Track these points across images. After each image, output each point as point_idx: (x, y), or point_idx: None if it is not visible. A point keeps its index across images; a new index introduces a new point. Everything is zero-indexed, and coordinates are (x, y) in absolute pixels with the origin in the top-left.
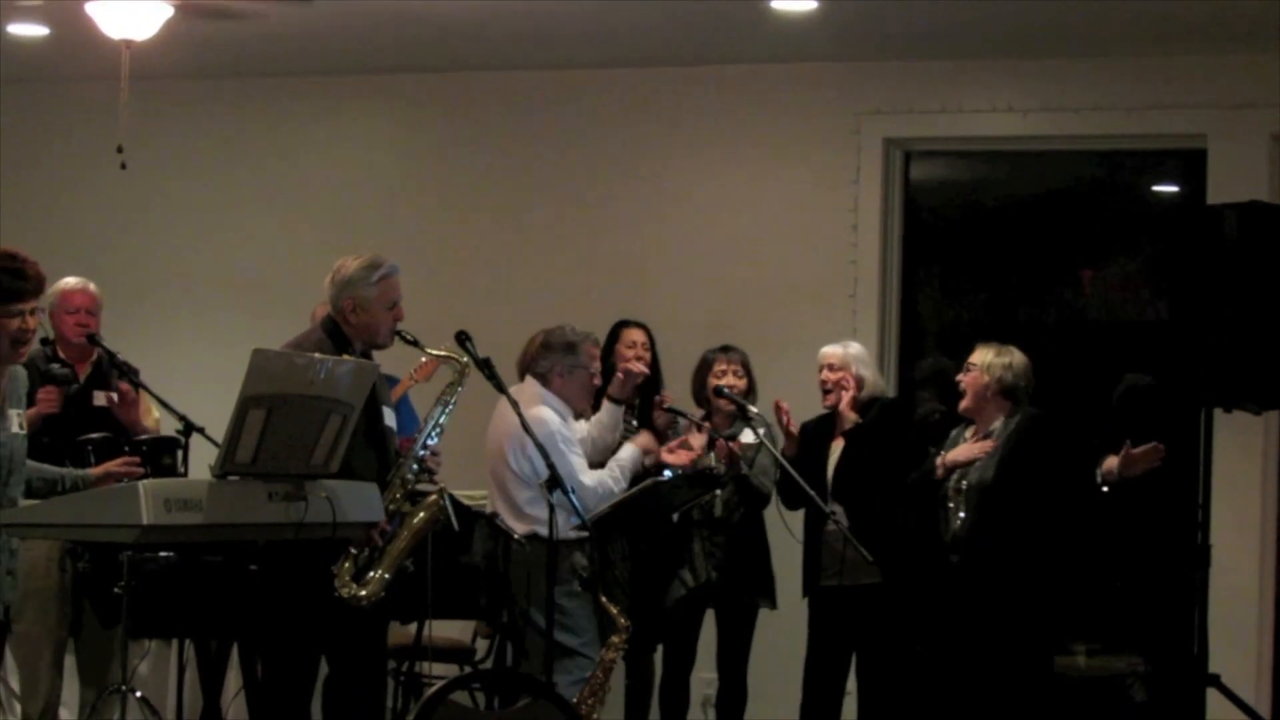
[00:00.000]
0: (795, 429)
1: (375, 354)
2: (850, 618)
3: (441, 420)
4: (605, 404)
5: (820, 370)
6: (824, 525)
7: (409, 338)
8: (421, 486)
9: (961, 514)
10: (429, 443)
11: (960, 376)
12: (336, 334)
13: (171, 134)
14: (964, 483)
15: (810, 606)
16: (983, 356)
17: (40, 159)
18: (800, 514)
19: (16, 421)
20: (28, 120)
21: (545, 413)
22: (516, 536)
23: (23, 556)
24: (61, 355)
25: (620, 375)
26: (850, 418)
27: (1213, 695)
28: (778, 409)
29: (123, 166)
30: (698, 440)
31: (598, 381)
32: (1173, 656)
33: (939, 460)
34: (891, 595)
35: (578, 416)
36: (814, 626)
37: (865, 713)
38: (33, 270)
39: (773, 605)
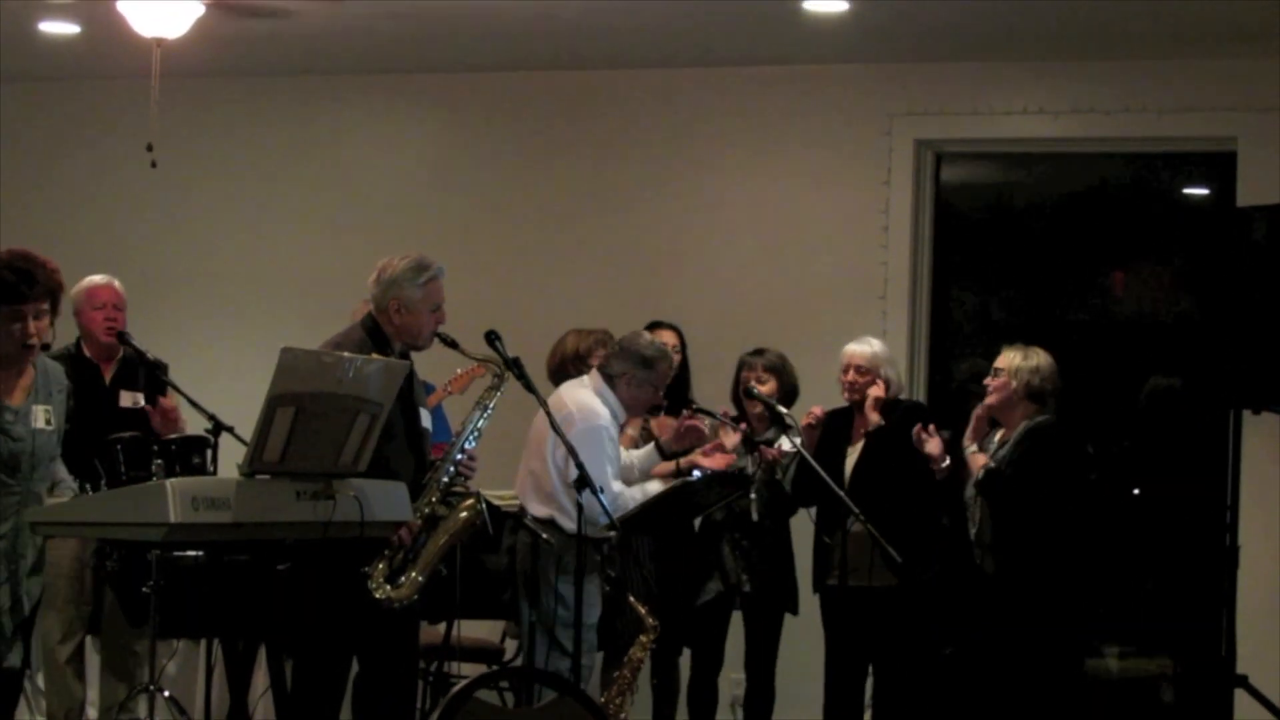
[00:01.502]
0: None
1: (413, 356)
2: (863, 619)
3: (480, 424)
4: (653, 448)
5: (846, 370)
6: (840, 524)
7: (448, 340)
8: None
9: (978, 516)
10: (467, 446)
11: (987, 380)
12: (377, 333)
13: (202, 132)
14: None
15: (822, 605)
16: (1009, 361)
17: (71, 157)
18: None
19: (43, 417)
20: (59, 118)
21: (599, 406)
22: (545, 536)
23: (51, 552)
24: (88, 353)
25: (681, 428)
26: (874, 420)
27: (1241, 696)
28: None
29: (153, 165)
30: (731, 440)
31: (658, 400)
32: (1202, 658)
33: (937, 466)
34: (907, 598)
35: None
36: (828, 625)
37: (882, 715)
38: (42, 274)
39: (795, 611)
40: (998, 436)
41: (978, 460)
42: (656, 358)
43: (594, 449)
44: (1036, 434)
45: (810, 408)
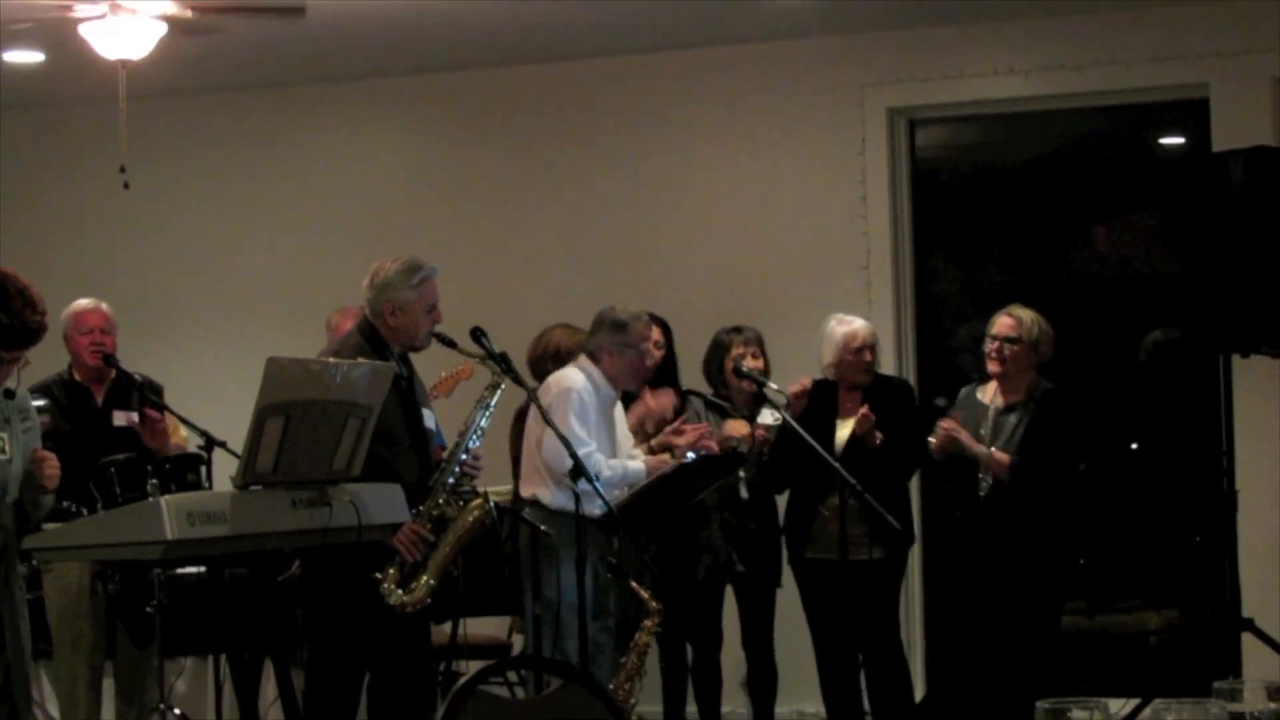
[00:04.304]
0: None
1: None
2: (848, 592)
3: (483, 424)
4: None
5: (861, 351)
6: (823, 498)
7: (446, 339)
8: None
9: (987, 481)
10: (470, 446)
11: (999, 346)
12: (374, 337)
13: (174, 151)
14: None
15: (799, 578)
16: (1027, 330)
17: (43, 184)
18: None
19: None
20: (28, 146)
21: (572, 372)
22: (544, 528)
23: (56, 582)
24: (78, 377)
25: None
26: (876, 438)
27: (1248, 639)
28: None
29: (125, 186)
30: (740, 430)
31: (649, 363)
32: (1208, 605)
33: (933, 441)
34: (893, 570)
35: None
36: (808, 600)
37: (874, 687)
38: (40, 327)
39: (779, 584)
40: (987, 395)
41: (1000, 459)
42: (629, 320)
43: (559, 409)
44: (1047, 402)
45: (800, 378)
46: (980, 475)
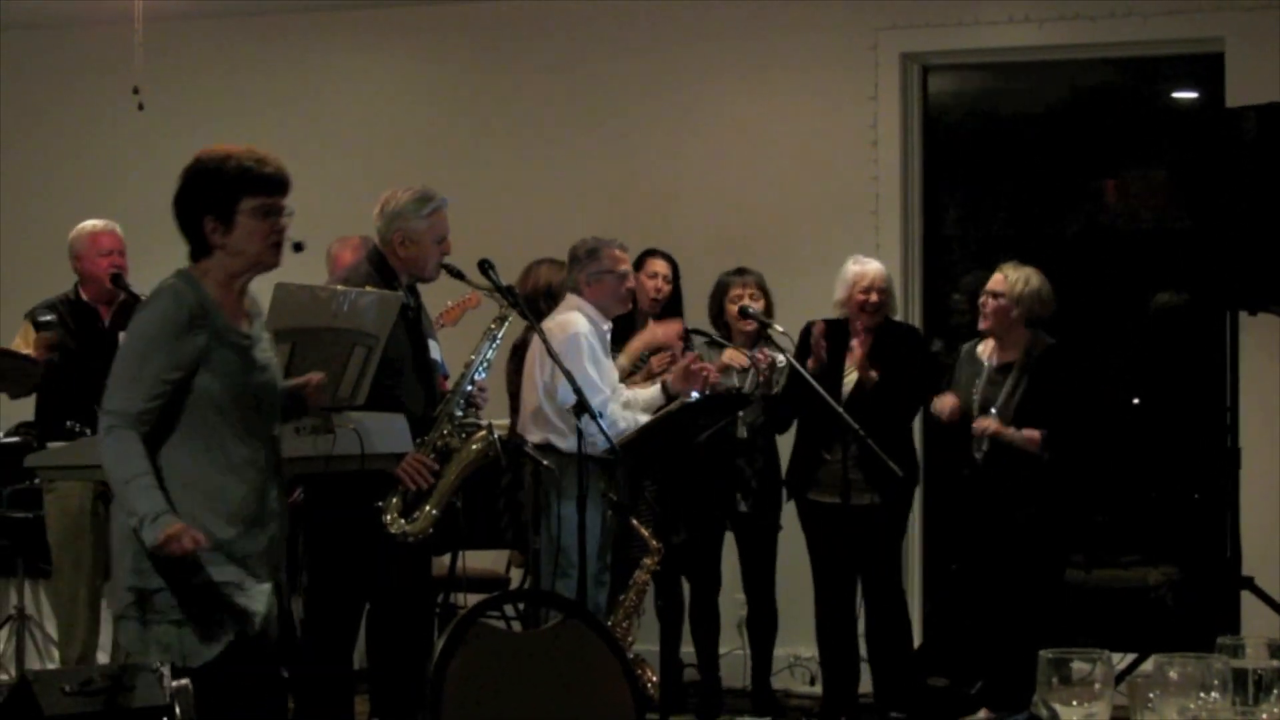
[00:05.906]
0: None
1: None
2: (848, 535)
3: (489, 355)
4: (659, 389)
5: (868, 291)
6: (833, 439)
7: (455, 271)
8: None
9: (984, 446)
10: (476, 377)
11: (984, 301)
12: (383, 266)
13: (188, 74)
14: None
15: (802, 519)
16: (1010, 285)
17: (57, 104)
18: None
19: (269, 346)
20: (44, 66)
21: (574, 316)
22: (545, 463)
23: (58, 502)
24: (85, 298)
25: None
26: (871, 377)
27: (1247, 598)
28: (809, 331)
29: (140, 107)
30: (738, 359)
31: (629, 284)
32: (1207, 562)
33: (941, 412)
34: (892, 516)
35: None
36: (811, 541)
37: (872, 630)
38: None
39: (779, 526)
40: (986, 352)
41: (1033, 437)
42: (600, 246)
43: (573, 357)
44: (1046, 361)
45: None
46: (975, 439)
